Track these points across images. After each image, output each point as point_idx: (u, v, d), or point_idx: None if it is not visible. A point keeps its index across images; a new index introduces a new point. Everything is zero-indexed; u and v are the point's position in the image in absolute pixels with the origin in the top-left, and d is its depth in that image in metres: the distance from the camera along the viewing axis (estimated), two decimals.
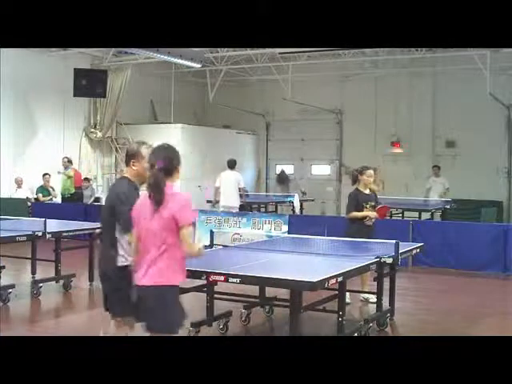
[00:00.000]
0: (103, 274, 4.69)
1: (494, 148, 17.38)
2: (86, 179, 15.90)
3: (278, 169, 21.11)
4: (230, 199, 12.73)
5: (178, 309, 4.10)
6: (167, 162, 4.04)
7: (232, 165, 12.89)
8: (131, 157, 4.61)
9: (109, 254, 4.54)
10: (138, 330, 4.27)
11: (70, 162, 15.10)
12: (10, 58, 14.09)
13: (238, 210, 12.84)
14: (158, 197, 3.99)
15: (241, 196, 13.09)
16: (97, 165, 17.48)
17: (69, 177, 14.93)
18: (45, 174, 15.14)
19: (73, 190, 14.96)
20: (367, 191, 7.88)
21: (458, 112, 17.43)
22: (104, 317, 4.79)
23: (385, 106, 18.53)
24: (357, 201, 7.79)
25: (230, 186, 12.71)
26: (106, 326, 4.74)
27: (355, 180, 7.98)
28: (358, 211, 7.75)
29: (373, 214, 7.69)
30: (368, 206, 7.76)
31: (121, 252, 4.48)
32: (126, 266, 4.42)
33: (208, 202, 14.15)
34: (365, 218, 7.71)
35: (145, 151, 4.57)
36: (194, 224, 4.05)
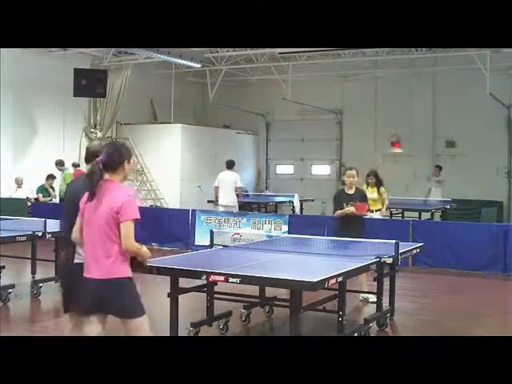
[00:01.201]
0: (62, 273, 4.80)
1: (494, 148, 17.39)
2: None
3: (279, 169, 21.21)
4: (227, 198, 13.17)
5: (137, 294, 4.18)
6: (107, 156, 4.13)
7: (230, 165, 13.40)
8: (97, 154, 4.59)
9: (67, 251, 4.57)
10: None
11: (61, 164, 14.94)
12: (10, 58, 14.10)
13: (236, 208, 13.29)
14: (90, 188, 4.08)
15: (237, 195, 13.52)
16: None
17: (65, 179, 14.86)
18: (49, 177, 15.08)
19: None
20: (351, 191, 7.99)
21: (458, 112, 17.45)
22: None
23: (385, 106, 18.54)
24: (338, 201, 7.95)
25: (227, 186, 13.17)
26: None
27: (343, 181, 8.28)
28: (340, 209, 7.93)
29: (349, 210, 7.77)
30: (350, 205, 7.83)
31: (79, 250, 4.49)
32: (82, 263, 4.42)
33: (209, 201, 14.43)
34: (348, 213, 7.83)
35: None
36: (136, 220, 4.06)
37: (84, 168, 4.84)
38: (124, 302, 4.09)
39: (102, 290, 4.07)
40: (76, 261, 4.49)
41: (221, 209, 13.03)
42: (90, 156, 4.63)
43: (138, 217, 4.06)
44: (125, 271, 4.10)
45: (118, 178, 4.16)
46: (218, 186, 13.20)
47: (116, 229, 4.02)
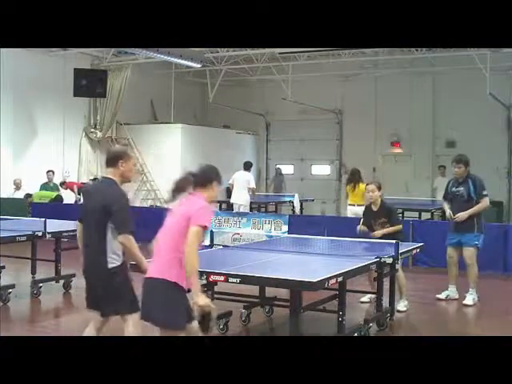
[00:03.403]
0: (94, 278, 4.60)
1: (493, 148, 17.37)
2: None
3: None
4: (236, 196, 13.66)
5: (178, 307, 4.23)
6: (201, 171, 4.42)
7: (246, 167, 14.05)
8: (119, 157, 4.61)
9: (97, 257, 4.48)
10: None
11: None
12: (10, 58, 14.10)
13: (247, 207, 13.74)
14: (172, 191, 4.30)
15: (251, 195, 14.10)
16: (97, 165, 17.44)
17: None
18: (48, 171, 15.09)
19: (53, 195, 14.80)
20: (375, 208, 7.49)
21: (458, 112, 17.44)
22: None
23: (385, 106, 18.54)
24: (365, 216, 7.60)
25: (239, 185, 13.67)
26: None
27: None
28: (367, 227, 7.50)
29: (376, 235, 7.27)
30: (377, 224, 7.40)
31: (111, 254, 4.46)
32: (119, 266, 4.46)
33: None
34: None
35: (131, 153, 4.79)
36: (205, 228, 4.15)
37: (102, 172, 4.91)
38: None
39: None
40: (111, 265, 4.47)
41: (235, 207, 13.55)
42: (113, 158, 4.64)
43: (207, 225, 4.17)
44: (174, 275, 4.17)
45: (205, 194, 4.32)
46: (232, 183, 13.76)
47: (183, 235, 4.12)
